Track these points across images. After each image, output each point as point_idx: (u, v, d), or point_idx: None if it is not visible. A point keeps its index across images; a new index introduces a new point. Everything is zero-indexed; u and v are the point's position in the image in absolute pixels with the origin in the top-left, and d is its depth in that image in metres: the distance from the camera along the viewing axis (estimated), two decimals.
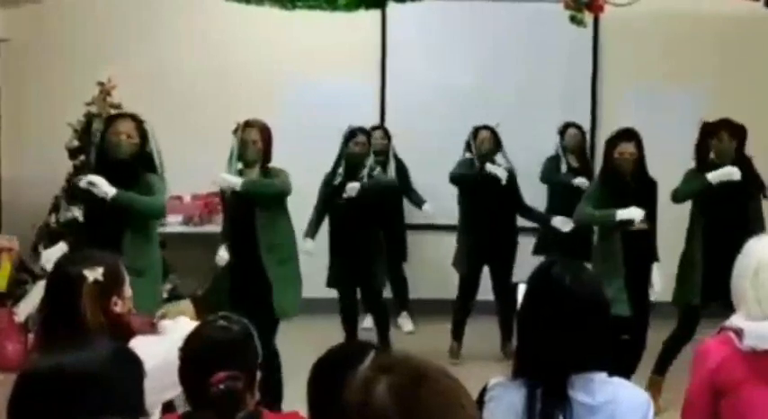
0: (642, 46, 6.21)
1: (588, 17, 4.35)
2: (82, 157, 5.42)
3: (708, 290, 4.15)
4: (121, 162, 3.73)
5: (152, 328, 2.26)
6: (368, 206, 4.83)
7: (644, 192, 4.21)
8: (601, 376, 1.72)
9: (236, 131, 4.07)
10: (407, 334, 5.86)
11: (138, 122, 3.81)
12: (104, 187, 3.62)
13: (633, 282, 4.13)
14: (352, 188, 4.75)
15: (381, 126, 5.98)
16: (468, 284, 5.31)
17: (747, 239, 3.67)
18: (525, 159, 5.71)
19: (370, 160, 4.96)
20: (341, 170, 4.87)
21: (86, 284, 2.02)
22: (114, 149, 3.74)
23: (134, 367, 1.48)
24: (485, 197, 5.18)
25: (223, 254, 4.24)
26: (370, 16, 5.73)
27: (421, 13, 5.79)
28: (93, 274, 2.03)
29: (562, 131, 5.83)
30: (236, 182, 4.01)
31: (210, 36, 6.19)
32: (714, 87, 6.12)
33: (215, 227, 6.02)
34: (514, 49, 6.30)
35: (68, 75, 5.93)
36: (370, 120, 6.18)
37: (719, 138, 4.25)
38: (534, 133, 6.07)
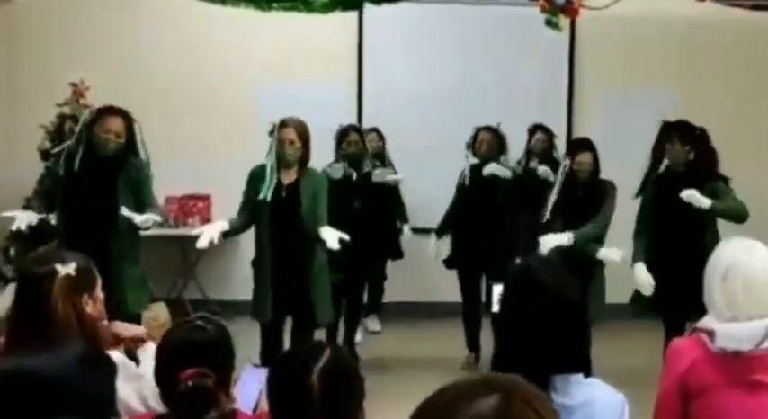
0: (618, 49, 6.27)
1: (564, 21, 4.38)
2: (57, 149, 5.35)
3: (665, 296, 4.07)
4: (107, 159, 3.75)
5: (117, 342, 2.24)
6: (376, 201, 4.92)
7: (592, 200, 4.30)
8: (577, 377, 1.72)
9: (271, 133, 3.93)
10: (372, 333, 5.83)
11: (128, 120, 3.81)
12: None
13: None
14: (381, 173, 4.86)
15: (375, 128, 5.96)
16: (469, 292, 5.10)
17: (701, 244, 3.57)
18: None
19: (368, 157, 4.96)
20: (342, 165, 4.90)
21: (58, 278, 1.99)
22: (102, 147, 3.75)
23: (102, 369, 1.46)
24: (482, 201, 5.01)
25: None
26: (347, 18, 5.73)
27: (398, 15, 5.80)
28: (66, 269, 2.01)
29: (531, 132, 5.77)
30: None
31: (187, 39, 6.15)
32: (689, 90, 6.19)
33: (189, 229, 5.99)
34: (491, 52, 6.32)
35: (39, 76, 5.86)
36: (347, 122, 6.16)
37: (671, 141, 4.17)
38: (512, 136, 6.08)
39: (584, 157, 4.27)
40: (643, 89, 6.22)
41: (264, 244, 3.94)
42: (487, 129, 5.09)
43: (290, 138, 3.87)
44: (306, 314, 3.95)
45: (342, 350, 1.78)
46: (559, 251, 4.12)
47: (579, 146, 4.36)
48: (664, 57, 6.28)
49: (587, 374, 1.75)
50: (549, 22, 4.21)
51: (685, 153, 4.11)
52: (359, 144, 4.92)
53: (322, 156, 5.83)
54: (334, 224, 3.94)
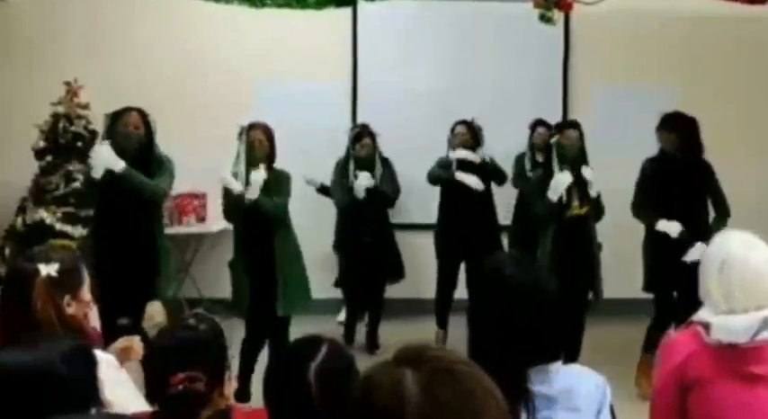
0: (613, 44, 6.26)
1: (558, 16, 4.36)
2: (49, 158, 5.34)
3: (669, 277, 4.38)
4: (132, 153, 3.96)
5: (100, 341, 2.24)
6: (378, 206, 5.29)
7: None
8: (556, 365, 1.71)
9: (240, 135, 4.21)
10: (339, 323, 5.81)
11: (144, 115, 4.04)
12: (112, 159, 3.83)
13: (567, 268, 4.24)
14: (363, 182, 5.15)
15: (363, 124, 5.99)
16: (445, 278, 5.41)
17: (701, 228, 3.85)
18: (497, 157, 5.71)
19: (378, 162, 5.25)
20: (352, 169, 5.21)
21: (39, 278, 1.99)
22: (125, 139, 3.97)
23: (86, 364, 1.45)
24: (463, 195, 5.25)
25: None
26: (342, 16, 5.72)
27: (392, 12, 5.79)
28: (47, 269, 2.01)
29: (533, 127, 5.90)
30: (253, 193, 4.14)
31: (182, 37, 6.12)
32: (683, 85, 6.19)
33: (185, 228, 5.98)
34: (486, 48, 6.31)
35: (33, 76, 5.84)
36: (342, 120, 6.17)
37: (660, 131, 4.49)
38: (506, 132, 6.09)
39: (572, 133, 4.48)
40: (638, 85, 6.21)
41: (240, 238, 4.26)
42: (463, 122, 5.35)
43: (259, 138, 4.19)
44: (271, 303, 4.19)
45: (339, 345, 1.76)
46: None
47: (566, 124, 4.66)
48: (659, 52, 6.28)
49: (571, 360, 1.74)
50: (542, 17, 4.21)
51: (672, 140, 4.42)
52: (371, 147, 5.25)
53: (317, 153, 5.86)
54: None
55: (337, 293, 5.91)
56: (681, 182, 4.44)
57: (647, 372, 4.34)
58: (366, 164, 5.25)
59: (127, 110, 4.05)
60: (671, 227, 4.35)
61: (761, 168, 6.32)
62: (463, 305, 1.96)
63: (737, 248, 2.04)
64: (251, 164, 4.18)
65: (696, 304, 4.18)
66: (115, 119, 4.01)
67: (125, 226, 3.92)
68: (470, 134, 5.31)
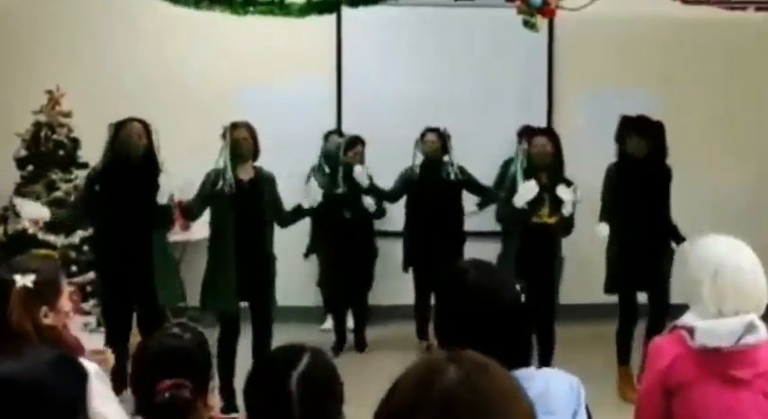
0: (597, 50, 6.30)
1: (541, 22, 4.38)
2: (30, 167, 5.29)
3: (632, 278, 4.48)
4: (135, 161, 4.20)
5: (82, 352, 2.22)
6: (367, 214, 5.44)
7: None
8: (529, 370, 1.70)
9: (224, 134, 4.33)
10: (323, 331, 5.85)
11: (146, 125, 4.24)
12: None
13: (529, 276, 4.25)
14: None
15: (339, 129, 6.00)
16: (421, 285, 5.45)
17: (662, 231, 4.11)
18: (481, 163, 5.73)
19: (366, 168, 5.31)
20: (340, 179, 5.30)
21: (15, 289, 1.97)
22: (127, 149, 4.19)
23: (73, 372, 1.43)
24: (428, 202, 5.31)
25: None
26: (327, 21, 5.71)
27: (376, 17, 5.80)
28: (24, 280, 1.99)
29: (521, 134, 5.85)
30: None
31: (165, 43, 6.10)
32: (666, 89, 6.24)
33: (169, 233, 5.93)
34: (471, 54, 6.33)
35: (14, 84, 5.79)
36: (327, 124, 6.16)
37: (629, 135, 4.52)
38: (491, 137, 6.11)
39: (541, 141, 4.48)
40: (623, 90, 6.24)
41: (227, 235, 4.30)
42: (434, 130, 5.40)
43: (244, 136, 4.32)
44: (263, 302, 4.39)
45: (321, 353, 1.75)
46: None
47: (537, 132, 4.68)
48: (643, 58, 6.31)
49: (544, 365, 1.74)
50: (526, 24, 4.22)
51: (642, 145, 4.47)
52: (361, 155, 5.39)
53: (304, 156, 5.85)
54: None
55: (320, 301, 5.93)
56: (647, 186, 4.50)
57: (629, 382, 4.37)
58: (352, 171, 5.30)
59: (129, 120, 4.23)
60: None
61: (742, 171, 6.38)
62: None
63: (728, 253, 2.05)
64: (237, 161, 4.31)
65: (666, 300, 4.32)
66: (118, 129, 4.20)
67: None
68: (440, 142, 5.35)
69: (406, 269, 5.50)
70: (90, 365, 2.03)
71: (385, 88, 6.24)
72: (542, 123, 6.21)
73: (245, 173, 4.35)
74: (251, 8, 4.70)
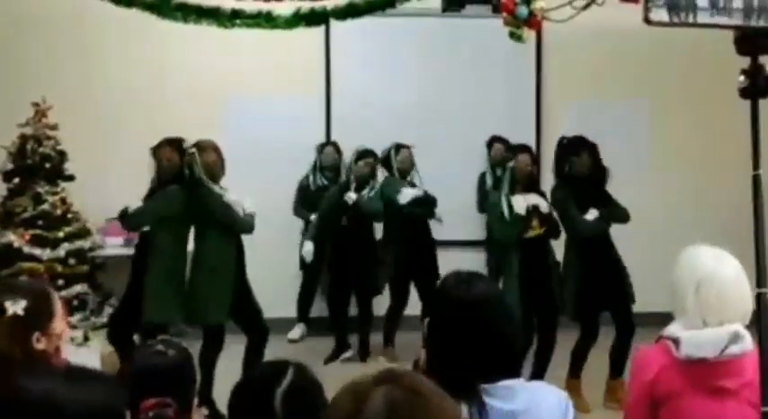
0: (585, 61, 6.33)
1: (528, 33, 4.38)
2: (16, 180, 5.26)
3: (593, 300, 4.51)
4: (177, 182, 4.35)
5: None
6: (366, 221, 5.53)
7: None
8: (519, 382, 1.71)
9: (191, 154, 4.36)
10: (291, 342, 5.85)
11: (176, 146, 4.39)
12: None
13: (533, 289, 4.37)
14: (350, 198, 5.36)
15: (334, 142, 6.07)
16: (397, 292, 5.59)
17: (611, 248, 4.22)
18: (471, 174, 5.75)
19: (376, 180, 5.45)
20: (352, 187, 5.41)
21: (4, 318, 1.92)
22: (161, 171, 4.41)
23: (92, 378, 1.37)
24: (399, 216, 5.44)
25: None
26: (315, 33, 5.72)
27: (364, 29, 5.79)
28: (14, 308, 1.93)
29: (489, 144, 5.95)
30: None
31: (152, 56, 6.08)
32: (651, 100, 6.27)
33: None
34: (458, 65, 6.35)
35: (0, 97, 5.75)
36: (316, 137, 6.16)
37: (574, 155, 4.62)
38: (480, 149, 6.12)
39: (524, 158, 4.58)
40: (610, 102, 6.27)
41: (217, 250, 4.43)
42: (407, 147, 5.59)
43: (213, 159, 4.38)
44: (248, 312, 4.46)
45: (306, 369, 1.74)
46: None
47: (519, 148, 4.73)
48: (631, 69, 6.35)
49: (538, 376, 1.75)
50: (512, 35, 4.22)
51: (589, 163, 4.59)
52: (372, 166, 5.48)
53: (292, 168, 5.85)
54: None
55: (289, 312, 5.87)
56: (596, 203, 4.57)
57: (616, 393, 4.38)
58: (366, 181, 5.43)
59: (160, 144, 4.41)
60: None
61: (727, 179, 6.40)
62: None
63: (712, 264, 2.05)
64: (212, 182, 4.40)
65: (629, 316, 4.35)
66: (153, 155, 4.43)
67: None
68: (411, 158, 5.54)
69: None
70: None
71: (374, 100, 6.25)
72: (531, 134, 6.23)
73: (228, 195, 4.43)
74: (238, 20, 4.70)
